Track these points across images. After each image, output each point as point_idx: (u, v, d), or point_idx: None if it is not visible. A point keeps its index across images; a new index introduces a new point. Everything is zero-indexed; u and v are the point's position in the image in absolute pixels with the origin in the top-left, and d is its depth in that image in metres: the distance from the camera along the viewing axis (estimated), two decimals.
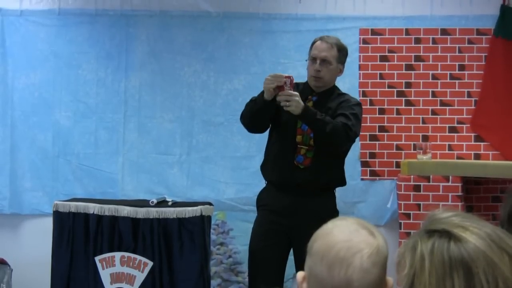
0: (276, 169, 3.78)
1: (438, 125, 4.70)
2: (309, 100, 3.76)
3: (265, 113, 3.69)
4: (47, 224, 4.29)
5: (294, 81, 3.58)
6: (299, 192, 3.70)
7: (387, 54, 4.72)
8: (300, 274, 1.54)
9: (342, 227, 1.52)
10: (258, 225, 3.84)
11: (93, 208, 4.17)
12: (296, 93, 3.53)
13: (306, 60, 3.85)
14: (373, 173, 4.69)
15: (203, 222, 4.13)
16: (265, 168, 3.87)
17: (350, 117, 3.65)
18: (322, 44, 3.76)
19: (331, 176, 3.77)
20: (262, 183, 3.94)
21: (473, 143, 4.68)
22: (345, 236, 1.48)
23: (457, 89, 4.69)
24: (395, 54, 4.72)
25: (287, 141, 3.74)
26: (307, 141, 3.71)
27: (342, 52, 3.81)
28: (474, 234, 1.30)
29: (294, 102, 3.49)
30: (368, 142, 4.63)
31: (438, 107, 4.70)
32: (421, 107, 4.70)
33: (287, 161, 3.73)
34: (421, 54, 4.71)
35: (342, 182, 3.88)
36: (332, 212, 3.59)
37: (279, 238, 3.68)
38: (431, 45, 4.71)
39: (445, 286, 1.26)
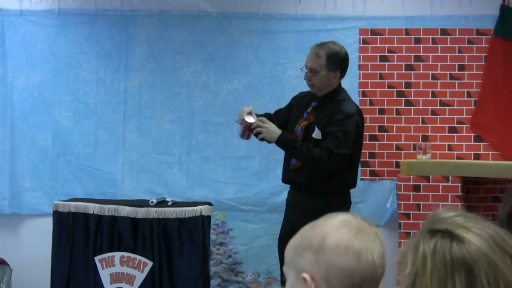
0: (282, 169, 4.07)
1: (438, 125, 4.69)
2: (309, 106, 3.93)
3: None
4: (47, 224, 4.29)
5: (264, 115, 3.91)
6: (297, 190, 3.97)
7: (386, 54, 4.72)
8: (307, 276, 1.46)
9: (345, 220, 1.52)
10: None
11: (92, 208, 4.18)
12: (267, 121, 3.81)
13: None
14: (373, 173, 4.68)
15: (203, 222, 4.14)
16: None
17: (338, 136, 3.75)
18: (311, 54, 3.90)
19: (318, 181, 3.85)
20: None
21: (472, 143, 4.68)
22: (357, 226, 1.50)
23: (456, 89, 4.69)
24: (395, 54, 4.71)
25: None
26: None
27: (332, 59, 3.85)
28: (477, 235, 1.29)
29: (264, 129, 3.77)
30: (367, 142, 4.61)
31: (438, 107, 4.69)
32: (420, 107, 4.70)
33: (286, 162, 4.02)
34: (421, 54, 4.70)
35: (333, 190, 3.88)
36: (320, 212, 3.63)
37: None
38: (431, 45, 4.70)
39: (446, 287, 1.26)
